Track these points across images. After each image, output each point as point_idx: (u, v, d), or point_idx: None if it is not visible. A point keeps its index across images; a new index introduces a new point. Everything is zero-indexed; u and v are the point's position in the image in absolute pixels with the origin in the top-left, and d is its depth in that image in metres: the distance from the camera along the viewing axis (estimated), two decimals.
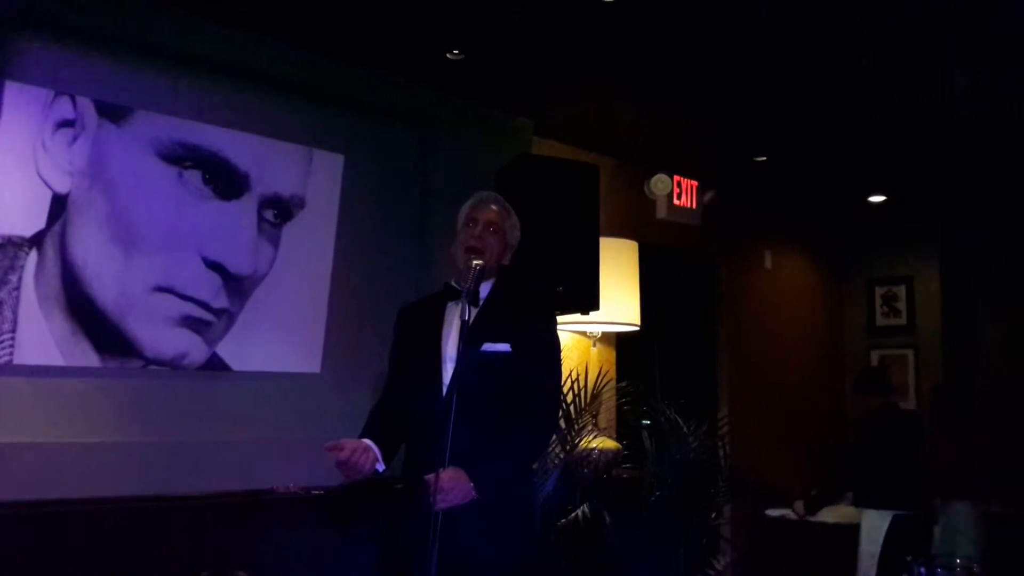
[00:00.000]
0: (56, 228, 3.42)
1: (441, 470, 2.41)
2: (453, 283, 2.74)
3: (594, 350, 5.20)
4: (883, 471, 4.96)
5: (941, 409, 5.74)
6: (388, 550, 2.73)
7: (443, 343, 2.68)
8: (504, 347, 2.64)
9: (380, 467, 2.60)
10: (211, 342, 3.79)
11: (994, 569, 5.06)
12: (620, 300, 4.89)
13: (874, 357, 7.22)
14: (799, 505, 5.81)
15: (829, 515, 5.94)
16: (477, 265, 2.60)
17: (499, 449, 2.58)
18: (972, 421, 5.86)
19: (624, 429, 5.17)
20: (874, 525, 4.96)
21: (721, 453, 4.81)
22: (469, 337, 2.57)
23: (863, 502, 5.14)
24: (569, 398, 4.34)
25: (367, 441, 2.57)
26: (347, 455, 2.48)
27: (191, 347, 3.73)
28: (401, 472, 2.79)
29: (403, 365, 2.80)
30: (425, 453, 2.54)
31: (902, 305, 7.14)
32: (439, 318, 2.74)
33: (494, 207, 2.79)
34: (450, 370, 2.58)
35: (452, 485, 2.45)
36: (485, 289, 2.74)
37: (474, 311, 2.63)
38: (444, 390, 2.55)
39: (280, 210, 4.02)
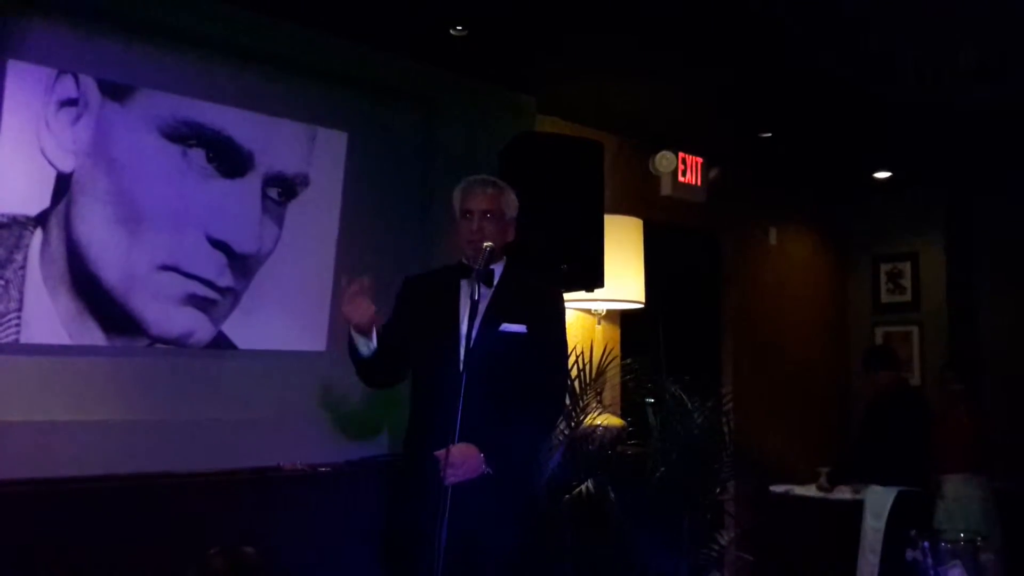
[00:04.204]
0: (61, 207, 3.42)
1: (451, 445, 2.43)
2: (465, 261, 2.75)
3: (599, 328, 5.20)
4: (889, 447, 4.97)
5: (951, 386, 5.72)
6: (392, 525, 2.74)
7: (460, 321, 2.69)
8: (521, 328, 2.69)
9: (372, 343, 2.63)
10: (216, 320, 3.80)
11: (1004, 544, 5.12)
12: (625, 277, 4.89)
13: (879, 334, 7.21)
14: (822, 481, 5.84)
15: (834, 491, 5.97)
16: (488, 247, 2.63)
17: (509, 427, 2.60)
18: (981, 397, 5.86)
19: (629, 406, 5.18)
20: (878, 501, 4.97)
21: (725, 429, 4.82)
22: (487, 316, 2.61)
23: (868, 478, 5.16)
24: (574, 375, 4.35)
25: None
26: (358, 289, 2.54)
27: (196, 325, 3.74)
28: (403, 448, 2.80)
29: (415, 338, 2.79)
30: (432, 428, 2.56)
31: (907, 282, 7.12)
32: (455, 295, 2.75)
33: (485, 191, 2.77)
34: (465, 348, 2.59)
35: (463, 460, 2.48)
36: (498, 270, 2.77)
37: (488, 291, 2.68)
38: (459, 366, 2.55)
39: (284, 188, 4.02)
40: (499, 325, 2.67)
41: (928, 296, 7.01)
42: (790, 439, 6.46)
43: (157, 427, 3.57)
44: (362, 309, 2.56)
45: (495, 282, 2.74)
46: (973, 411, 5.55)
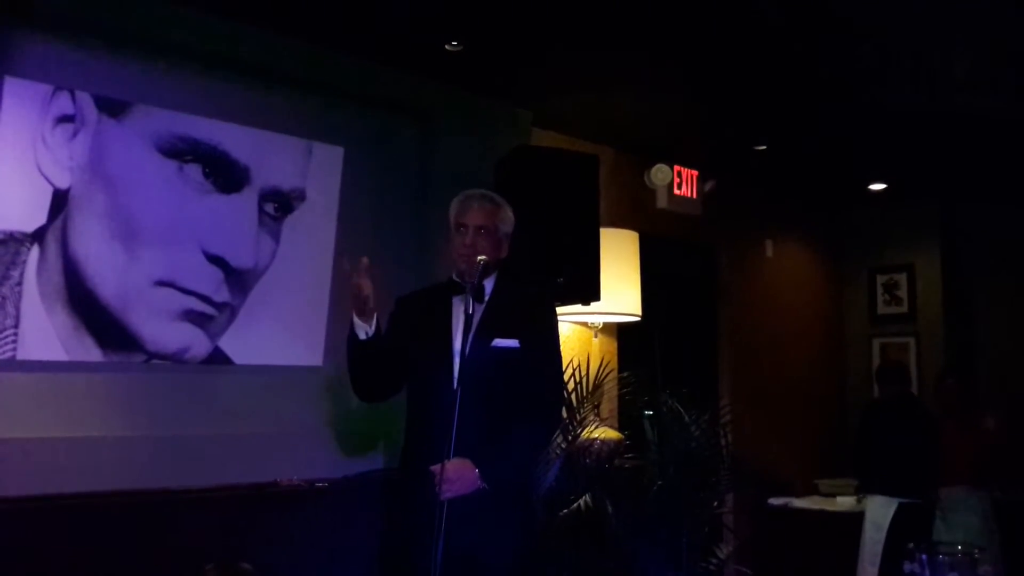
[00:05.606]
0: (57, 223, 3.42)
1: (446, 460, 2.43)
2: (455, 277, 2.77)
3: (595, 341, 5.21)
4: (889, 458, 4.97)
5: (950, 397, 5.72)
6: (389, 540, 2.74)
7: (453, 337, 2.70)
8: (513, 343, 2.69)
9: (371, 327, 2.66)
10: (213, 336, 3.80)
11: (1003, 556, 5.11)
12: (621, 290, 4.89)
13: (875, 345, 7.22)
14: None
15: (832, 503, 5.97)
16: (481, 260, 2.64)
17: (505, 441, 2.60)
18: (980, 408, 5.87)
19: (626, 419, 5.18)
20: (879, 512, 4.97)
21: (723, 442, 4.82)
22: (479, 332, 2.61)
23: (868, 488, 5.15)
24: (571, 388, 4.35)
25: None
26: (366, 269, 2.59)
27: (193, 341, 3.74)
28: (399, 463, 2.81)
29: (409, 355, 2.80)
30: (428, 444, 2.56)
31: (903, 293, 7.13)
32: (447, 312, 2.75)
33: (482, 206, 2.78)
34: (459, 364, 2.60)
35: (458, 475, 2.48)
36: (488, 285, 2.77)
37: (480, 307, 2.68)
38: (454, 383, 2.56)
39: (281, 203, 4.02)
40: (491, 340, 2.67)
41: (925, 307, 7.02)
42: (788, 451, 6.46)
43: (154, 443, 3.56)
44: (365, 290, 2.64)
45: (486, 297, 2.75)
46: (972, 422, 5.56)
